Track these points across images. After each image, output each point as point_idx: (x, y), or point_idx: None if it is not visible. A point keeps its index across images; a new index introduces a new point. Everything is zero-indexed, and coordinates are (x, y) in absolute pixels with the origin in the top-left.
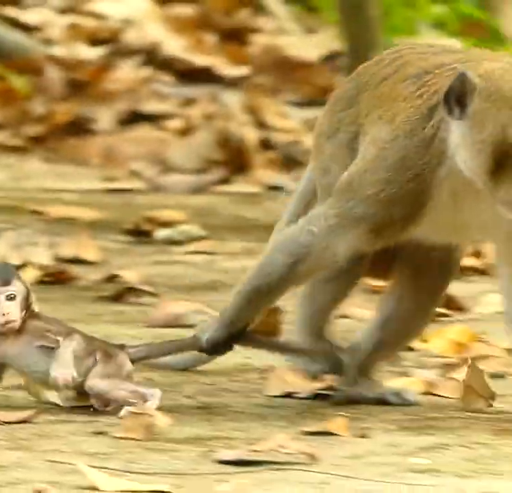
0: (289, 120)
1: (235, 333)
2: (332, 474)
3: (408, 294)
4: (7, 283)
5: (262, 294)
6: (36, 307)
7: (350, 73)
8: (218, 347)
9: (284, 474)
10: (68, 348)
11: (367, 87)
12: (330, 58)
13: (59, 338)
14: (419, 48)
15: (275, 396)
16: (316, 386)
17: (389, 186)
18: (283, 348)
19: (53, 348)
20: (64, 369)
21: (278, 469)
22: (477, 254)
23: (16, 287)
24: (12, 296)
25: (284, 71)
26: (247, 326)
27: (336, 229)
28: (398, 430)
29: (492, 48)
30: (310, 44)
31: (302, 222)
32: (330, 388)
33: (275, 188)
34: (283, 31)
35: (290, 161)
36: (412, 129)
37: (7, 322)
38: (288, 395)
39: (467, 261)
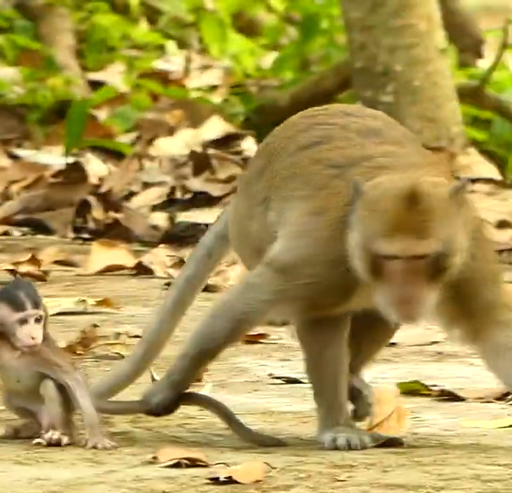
0: None
1: (182, 393)
2: None
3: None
4: (37, 305)
5: (208, 356)
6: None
7: None
8: (168, 408)
9: None
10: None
11: (280, 155)
12: None
13: (65, 377)
14: (340, 121)
15: None
16: None
17: (324, 279)
18: (221, 411)
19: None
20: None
21: None
22: (34, 260)
23: (43, 309)
24: (40, 318)
25: None
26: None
27: (274, 304)
28: None
29: (46, 75)
30: None
31: (239, 290)
32: None
33: None
34: None
35: None
36: (341, 230)
37: (34, 345)
38: None
39: (24, 268)
